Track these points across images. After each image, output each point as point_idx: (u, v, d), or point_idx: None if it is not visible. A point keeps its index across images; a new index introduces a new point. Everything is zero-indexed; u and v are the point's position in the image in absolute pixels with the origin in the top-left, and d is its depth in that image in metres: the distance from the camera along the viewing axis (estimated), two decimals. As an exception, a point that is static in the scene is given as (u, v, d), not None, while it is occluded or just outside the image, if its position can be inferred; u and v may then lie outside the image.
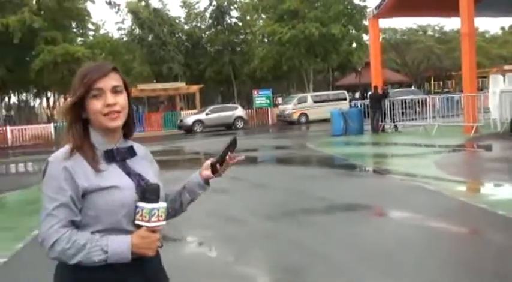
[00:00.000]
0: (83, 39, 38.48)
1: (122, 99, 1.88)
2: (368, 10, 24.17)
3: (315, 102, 34.32)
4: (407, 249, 5.75)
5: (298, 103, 34.46)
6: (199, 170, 2.11)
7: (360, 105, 24.41)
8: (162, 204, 1.83)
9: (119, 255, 1.77)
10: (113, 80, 1.87)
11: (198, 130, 32.32)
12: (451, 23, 78.44)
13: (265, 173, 12.85)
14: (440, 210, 7.63)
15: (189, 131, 32.26)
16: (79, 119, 1.87)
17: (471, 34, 18.33)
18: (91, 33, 39.88)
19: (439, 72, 52.14)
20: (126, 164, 1.92)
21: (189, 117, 33.47)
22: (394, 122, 21.77)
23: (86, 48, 35.33)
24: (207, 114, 33.53)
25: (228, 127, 33.28)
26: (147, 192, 1.82)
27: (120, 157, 1.91)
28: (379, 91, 22.30)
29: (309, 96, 35.45)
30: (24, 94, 44.51)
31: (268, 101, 37.67)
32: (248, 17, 44.82)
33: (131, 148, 1.98)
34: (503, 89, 17.66)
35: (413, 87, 43.66)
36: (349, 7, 37.45)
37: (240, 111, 34.86)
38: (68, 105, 1.87)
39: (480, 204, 7.55)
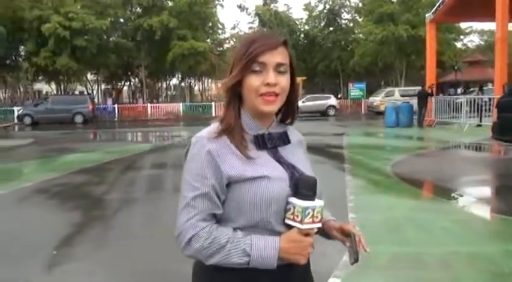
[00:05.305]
0: (213, 37, 40.26)
1: (284, 81, 1.40)
2: (426, 15, 22.45)
3: (402, 96, 32.79)
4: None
5: (386, 96, 33.36)
6: (327, 216, 1.59)
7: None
8: (318, 203, 1.35)
9: (263, 260, 1.32)
10: (280, 56, 1.40)
11: (294, 114, 32.67)
12: None
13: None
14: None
15: (287, 115, 32.66)
16: (237, 96, 1.44)
17: (504, 39, 16.47)
18: (220, 31, 41.59)
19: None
20: (278, 152, 1.45)
21: (288, 104, 33.88)
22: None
23: (213, 44, 37.20)
24: (303, 101, 33.70)
25: (322, 114, 33.37)
26: (302, 186, 1.35)
27: (271, 144, 1.44)
28: (427, 90, 20.95)
29: (397, 90, 34.12)
30: (174, 79, 47.77)
31: (361, 93, 36.83)
32: (361, 19, 43.83)
33: (285, 134, 1.50)
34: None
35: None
36: (438, 12, 35.16)
37: (332, 101, 34.67)
38: (231, 80, 1.41)
39: (350, 195, 7.24)
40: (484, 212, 6.70)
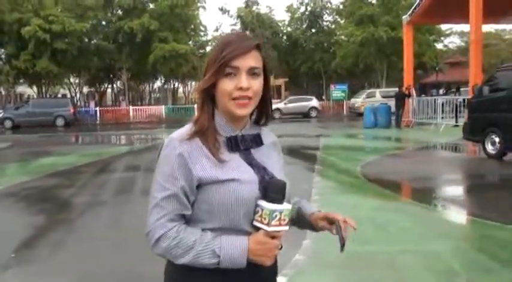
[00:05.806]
0: (195, 39, 40.25)
1: (256, 84, 1.41)
2: (403, 17, 22.74)
3: (383, 97, 33.12)
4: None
5: (367, 97, 33.62)
6: (311, 208, 1.63)
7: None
8: (285, 206, 1.37)
9: (232, 261, 1.35)
10: (253, 59, 1.40)
11: (276, 117, 32.72)
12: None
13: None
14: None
15: (268, 117, 32.82)
16: (210, 98, 1.44)
17: (478, 41, 16.73)
18: (202, 33, 41.60)
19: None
20: (251, 154, 1.46)
21: (269, 106, 34.05)
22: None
23: (195, 46, 37.21)
24: (285, 103, 33.87)
25: (305, 115, 33.54)
26: (270, 189, 1.37)
27: (244, 145, 1.45)
28: (404, 91, 21.20)
29: (378, 91, 34.39)
30: (157, 81, 47.59)
31: (343, 95, 37.05)
32: (342, 21, 44.12)
33: (258, 136, 1.50)
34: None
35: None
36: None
37: (314, 102, 34.88)
38: (204, 83, 1.42)
39: (315, 195, 7.33)
40: (447, 211, 6.82)
